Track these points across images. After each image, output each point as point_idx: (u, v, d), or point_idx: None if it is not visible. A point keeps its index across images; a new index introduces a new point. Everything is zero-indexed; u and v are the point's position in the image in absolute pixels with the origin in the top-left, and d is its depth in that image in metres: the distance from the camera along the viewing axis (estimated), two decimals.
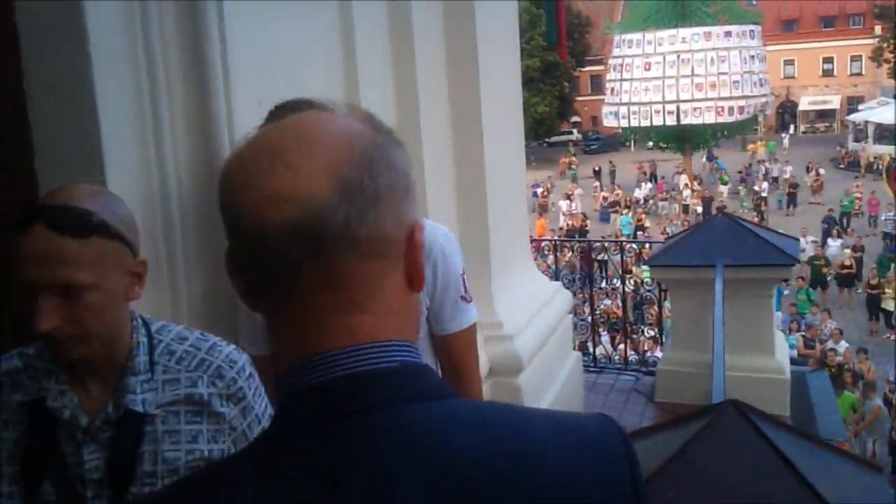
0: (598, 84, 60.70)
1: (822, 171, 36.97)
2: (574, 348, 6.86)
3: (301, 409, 0.87)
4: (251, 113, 2.33)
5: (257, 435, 0.94)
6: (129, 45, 2.21)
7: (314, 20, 2.94)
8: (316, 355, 0.87)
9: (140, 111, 2.25)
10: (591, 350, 7.35)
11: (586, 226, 28.19)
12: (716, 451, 2.05)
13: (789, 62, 66.99)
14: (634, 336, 12.09)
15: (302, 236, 0.84)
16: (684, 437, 2.11)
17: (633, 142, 51.05)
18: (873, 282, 19.32)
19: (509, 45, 4.58)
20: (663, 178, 38.61)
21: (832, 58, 67.04)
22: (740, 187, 35.90)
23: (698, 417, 2.19)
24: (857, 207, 28.79)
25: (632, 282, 11.27)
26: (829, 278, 21.31)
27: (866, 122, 47.04)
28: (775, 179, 36.81)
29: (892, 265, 20.98)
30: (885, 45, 55.77)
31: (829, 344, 14.83)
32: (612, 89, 38.77)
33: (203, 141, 2.39)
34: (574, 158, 50.64)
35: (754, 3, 57.44)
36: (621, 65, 37.91)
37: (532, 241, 11.37)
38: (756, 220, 26.34)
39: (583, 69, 62.45)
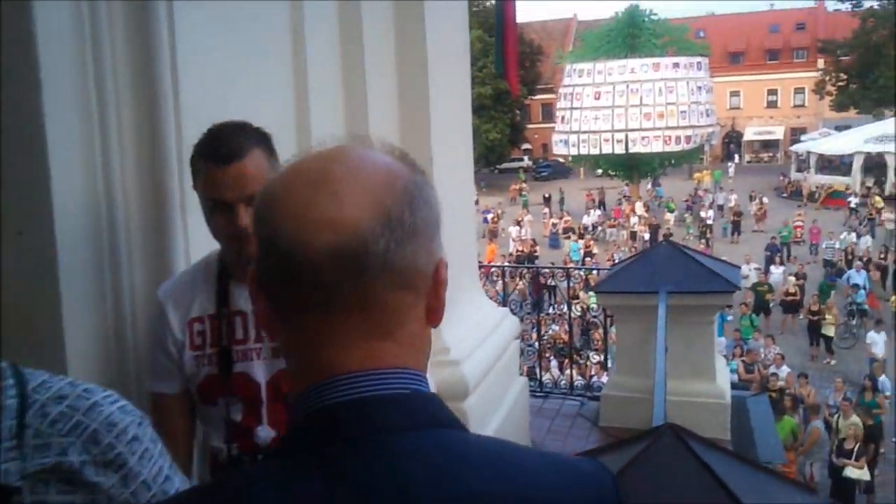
0: (548, 112, 61.42)
1: (765, 199, 37.85)
2: (522, 374, 6.92)
3: (323, 425, 0.90)
4: (199, 119, 2.30)
5: (273, 448, 0.97)
6: (78, 52, 2.20)
7: (265, 30, 2.95)
8: (338, 376, 0.91)
9: (87, 117, 2.24)
10: (538, 375, 7.40)
11: (536, 252, 28.43)
12: (653, 474, 2.09)
13: (735, 93, 68.64)
14: (581, 361, 12.20)
15: (344, 259, 0.88)
16: (623, 460, 2.15)
17: (582, 169, 51.74)
18: (814, 308, 19.80)
19: (459, 72, 4.64)
20: (620, 204, 39.13)
21: (776, 90, 68.90)
22: (686, 215, 36.57)
23: (637, 441, 2.23)
24: (798, 235, 29.49)
25: (578, 307, 11.38)
26: (771, 304, 21.79)
27: (808, 153, 48.31)
28: (720, 207, 37.58)
29: (832, 292, 21.55)
30: (827, 78, 57.54)
31: (772, 369, 15.13)
32: (563, 117, 39.37)
33: (150, 148, 2.38)
34: (524, 185, 51.13)
35: (702, 35, 58.89)
36: (572, 93, 38.53)
37: (481, 266, 11.45)
38: (702, 247, 26.87)
39: (534, 97, 63.21)
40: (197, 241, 2.33)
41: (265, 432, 2.10)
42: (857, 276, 22.12)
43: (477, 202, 39.83)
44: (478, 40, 28.51)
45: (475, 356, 4.35)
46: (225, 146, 1.99)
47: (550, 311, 16.01)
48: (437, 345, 4.09)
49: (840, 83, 56.71)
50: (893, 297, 21.24)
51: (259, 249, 0.94)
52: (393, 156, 0.98)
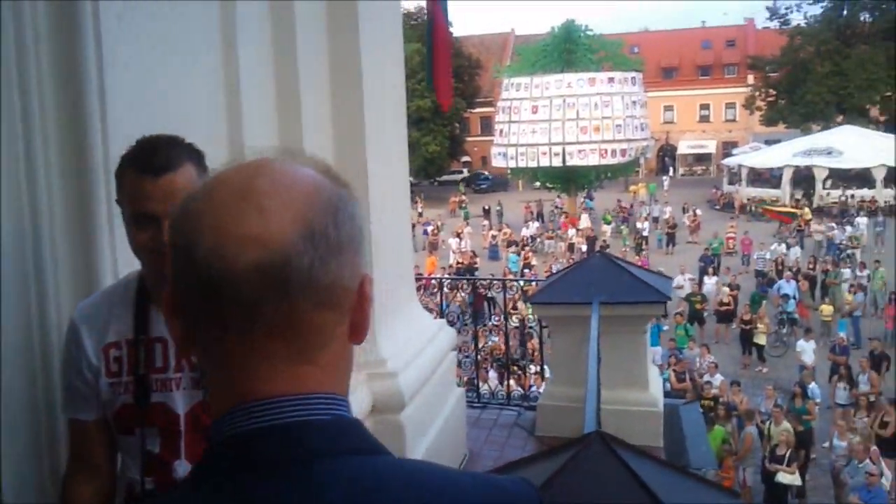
0: (487, 125, 61.89)
1: (699, 211, 38.71)
2: (461, 384, 6.95)
3: (238, 452, 0.87)
4: (127, 133, 2.27)
5: (188, 475, 0.94)
6: (2, 63, 2.17)
7: (196, 43, 2.93)
8: (258, 401, 0.88)
9: (12, 129, 2.19)
10: (476, 386, 7.44)
11: (476, 263, 28.56)
12: (582, 482, 2.13)
13: (669, 108, 70.19)
14: (520, 372, 12.29)
15: (267, 278, 0.85)
16: (553, 468, 2.18)
17: (521, 182, 52.23)
18: (746, 317, 20.29)
19: (395, 84, 4.66)
20: (566, 215, 39.56)
21: (709, 104, 70.69)
22: (622, 227, 37.18)
23: (566, 450, 2.27)
24: (731, 247, 30.19)
25: (516, 319, 11.48)
26: (705, 314, 22.26)
27: (740, 166, 49.66)
28: (655, 219, 38.30)
29: (763, 302, 22.11)
30: (757, 93, 59.25)
31: (706, 377, 15.44)
32: (501, 130, 39.73)
33: (76, 161, 2.34)
34: (464, 197, 51.44)
35: (636, 50, 60.06)
36: (510, 107, 38.91)
37: (421, 278, 11.47)
38: (637, 258, 27.32)
39: (473, 110, 63.70)
40: (125, 258, 2.26)
41: (183, 467, 2.00)
42: (787, 287, 22.73)
43: (421, 214, 39.97)
44: (416, 53, 28.57)
45: (412, 368, 4.36)
46: (157, 157, 1.91)
47: (490, 322, 16.08)
48: (374, 357, 4.10)
49: (769, 98, 58.45)
50: (822, 307, 21.90)
51: (175, 264, 0.90)
52: (316, 169, 0.95)
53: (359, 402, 3.89)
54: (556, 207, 41.08)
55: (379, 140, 4.21)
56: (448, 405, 5.01)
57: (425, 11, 5.19)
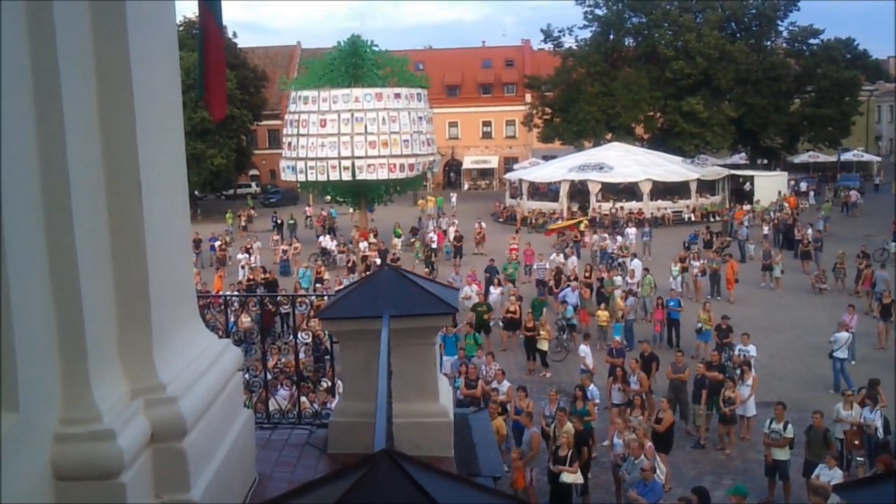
0: (275, 138, 61.06)
1: (484, 224, 40.18)
2: (250, 405, 6.70)
3: None
4: None
5: None
6: None
7: None
8: None
9: None
10: (267, 406, 7.22)
11: (269, 278, 27.89)
12: (370, 502, 2.07)
13: (454, 124, 72.57)
14: (313, 389, 12.09)
15: None
16: (342, 489, 2.11)
17: (311, 196, 51.86)
18: (529, 325, 21.24)
19: (170, 95, 4.42)
20: (374, 231, 39.43)
21: (490, 121, 73.85)
22: (413, 240, 37.84)
23: (355, 470, 2.21)
24: (513, 258, 31.48)
25: (306, 335, 11.29)
26: (491, 323, 23.07)
27: (520, 181, 52.15)
28: (444, 232, 39.30)
29: (545, 308, 23.25)
30: (534, 111, 62.49)
31: (493, 384, 15.97)
32: (290, 144, 39.26)
33: None
34: (253, 211, 50.30)
35: (421, 67, 61.48)
36: (298, 120, 38.57)
37: (207, 296, 11.02)
38: (427, 271, 27.88)
39: (260, 123, 62.50)
40: None
41: None
42: (572, 296, 24.05)
43: (220, 236, 38.50)
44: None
45: (194, 391, 4.14)
46: None
47: (281, 340, 15.73)
48: (151, 382, 3.85)
49: (545, 116, 61.86)
50: (598, 313, 23.34)
51: None
52: None
53: (136, 432, 3.63)
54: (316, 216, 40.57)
55: (154, 152, 3.97)
56: (235, 428, 4.80)
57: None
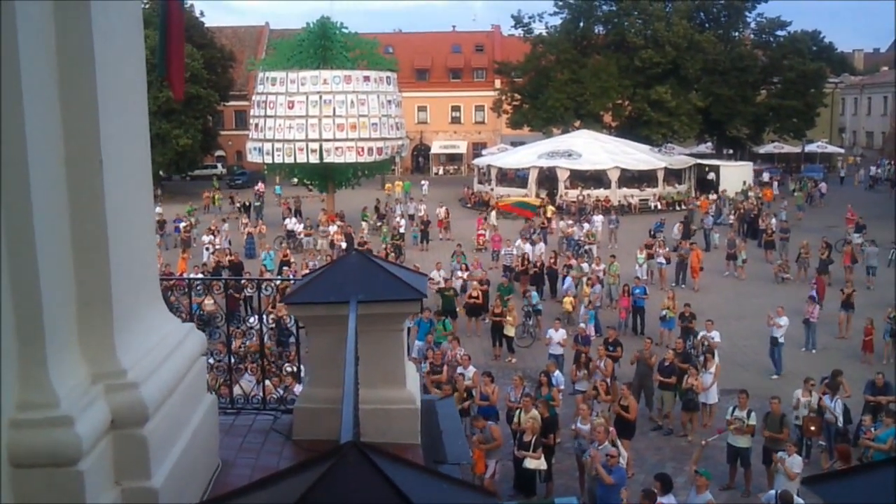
0: (242, 119, 60.37)
1: (451, 209, 40.09)
2: (214, 390, 6.59)
3: None
4: None
5: None
6: None
7: None
8: None
9: None
10: (230, 391, 7.11)
11: (235, 261, 27.59)
12: (338, 494, 2.02)
13: (422, 108, 72.20)
14: (278, 374, 11.99)
15: None
16: (308, 481, 2.06)
17: (278, 178, 51.38)
18: (497, 311, 21.25)
19: (134, 73, 4.30)
20: (341, 214, 39.07)
21: (460, 106, 73.57)
22: (380, 224, 37.69)
23: (322, 461, 2.16)
24: (481, 243, 31.47)
25: (271, 318, 11.19)
26: (458, 308, 23.07)
27: (489, 166, 52.10)
28: (411, 217, 39.16)
29: (511, 295, 23.28)
30: (503, 97, 62.34)
31: (459, 370, 15.96)
32: (257, 125, 38.87)
33: None
34: (219, 192, 49.74)
35: (391, 51, 61.11)
36: (265, 101, 38.19)
37: (170, 279, 10.84)
38: (394, 255, 27.76)
39: (227, 104, 61.66)
40: None
41: None
42: (570, 287, 24.14)
43: (189, 217, 38.01)
44: None
45: (156, 377, 4.05)
46: None
47: (246, 324, 15.59)
48: (111, 367, 3.76)
49: (515, 102, 61.74)
50: (564, 299, 23.43)
51: None
52: None
53: (96, 418, 3.54)
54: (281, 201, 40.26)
55: (116, 130, 3.86)
56: (198, 414, 4.72)
57: None
